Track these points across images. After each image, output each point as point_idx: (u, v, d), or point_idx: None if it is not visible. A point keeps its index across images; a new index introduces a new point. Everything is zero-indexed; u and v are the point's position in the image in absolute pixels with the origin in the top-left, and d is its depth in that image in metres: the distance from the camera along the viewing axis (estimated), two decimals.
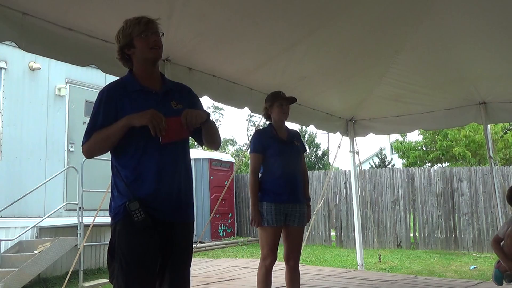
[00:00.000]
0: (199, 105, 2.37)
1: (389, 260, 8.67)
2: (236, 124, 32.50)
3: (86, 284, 6.56)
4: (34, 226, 6.78)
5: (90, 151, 2.18)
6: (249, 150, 3.77)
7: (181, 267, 2.22)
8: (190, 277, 2.28)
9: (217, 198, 10.37)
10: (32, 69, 7.84)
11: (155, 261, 2.12)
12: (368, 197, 10.71)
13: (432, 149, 17.28)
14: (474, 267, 7.68)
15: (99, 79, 8.25)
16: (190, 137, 2.30)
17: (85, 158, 2.25)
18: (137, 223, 2.05)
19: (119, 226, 2.13)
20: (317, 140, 26.30)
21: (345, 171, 11.48)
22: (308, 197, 3.78)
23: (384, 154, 24.48)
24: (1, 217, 6.73)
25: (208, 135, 2.30)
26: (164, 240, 2.14)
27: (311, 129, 23.94)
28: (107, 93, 2.19)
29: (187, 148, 2.29)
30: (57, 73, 8.15)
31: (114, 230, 2.15)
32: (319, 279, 5.89)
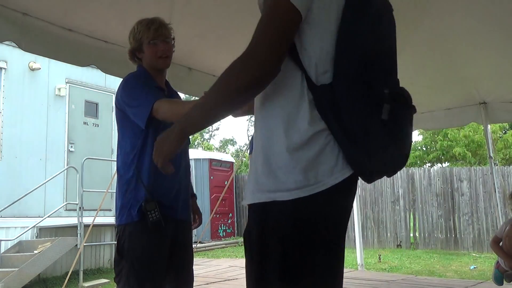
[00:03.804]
0: None
1: (389, 260, 8.67)
2: (236, 124, 32.56)
3: (86, 284, 6.56)
4: (34, 226, 6.78)
5: (163, 114, 2.02)
6: (248, 151, 3.77)
7: (189, 263, 2.26)
8: None
9: (217, 198, 10.37)
10: (32, 69, 7.83)
11: (165, 260, 2.13)
12: (368, 197, 10.70)
13: (432, 149, 17.28)
14: (474, 267, 7.68)
15: (99, 79, 8.23)
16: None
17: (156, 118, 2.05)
18: (151, 223, 2.03)
19: (130, 226, 2.09)
20: None
21: None
22: None
23: None
24: (1, 217, 6.73)
25: None
26: (171, 238, 2.16)
27: None
28: (144, 75, 2.20)
29: (186, 149, 2.32)
30: (57, 73, 8.14)
31: (123, 230, 2.11)
32: None
